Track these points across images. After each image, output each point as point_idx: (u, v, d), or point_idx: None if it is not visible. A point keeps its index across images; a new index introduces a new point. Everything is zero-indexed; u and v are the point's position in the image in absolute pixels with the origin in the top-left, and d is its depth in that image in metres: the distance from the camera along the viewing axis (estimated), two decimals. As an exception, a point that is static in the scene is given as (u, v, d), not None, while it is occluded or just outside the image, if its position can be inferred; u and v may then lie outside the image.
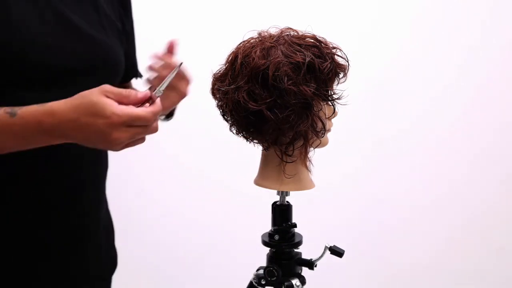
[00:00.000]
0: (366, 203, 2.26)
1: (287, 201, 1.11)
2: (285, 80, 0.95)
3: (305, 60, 0.96)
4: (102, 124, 0.89)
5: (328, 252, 1.11)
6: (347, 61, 1.02)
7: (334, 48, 1.02)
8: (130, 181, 2.10)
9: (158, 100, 0.93)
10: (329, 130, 1.07)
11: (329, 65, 0.98)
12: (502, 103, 2.27)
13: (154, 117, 0.92)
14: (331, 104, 1.02)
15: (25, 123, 0.91)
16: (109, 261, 1.32)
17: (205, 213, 2.19)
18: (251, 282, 1.13)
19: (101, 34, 1.12)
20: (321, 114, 1.01)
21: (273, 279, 1.09)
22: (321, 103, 1.00)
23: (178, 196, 2.13)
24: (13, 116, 0.91)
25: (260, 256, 1.16)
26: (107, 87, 0.91)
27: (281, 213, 1.11)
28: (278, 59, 0.96)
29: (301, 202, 1.22)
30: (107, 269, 1.32)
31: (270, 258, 1.12)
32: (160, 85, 0.97)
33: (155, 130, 0.94)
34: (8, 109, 0.92)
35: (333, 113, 1.04)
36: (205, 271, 2.21)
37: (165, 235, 2.20)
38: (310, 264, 1.12)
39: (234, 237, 2.17)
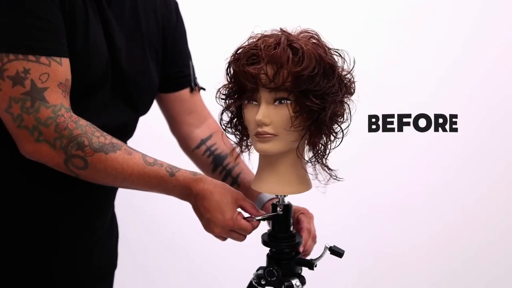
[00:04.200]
0: (364, 202, 2.26)
1: (288, 202, 1.11)
2: None
3: None
4: (218, 219, 1.06)
5: (328, 252, 1.12)
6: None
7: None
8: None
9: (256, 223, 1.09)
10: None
11: None
12: (496, 100, 2.27)
13: (251, 231, 1.09)
14: None
15: (177, 184, 1.07)
16: (110, 261, 1.37)
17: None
18: (251, 282, 1.13)
19: (142, 58, 1.20)
20: None
21: (273, 279, 1.09)
22: None
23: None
24: (172, 176, 1.06)
25: (260, 256, 1.16)
26: (242, 200, 1.09)
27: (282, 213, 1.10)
28: None
29: (301, 201, 1.22)
30: (109, 268, 1.36)
31: (270, 258, 1.12)
32: (263, 216, 1.10)
33: (242, 239, 1.10)
34: (168, 168, 1.06)
35: None
36: (205, 271, 2.21)
37: (164, 235, 2.20)
38: (310, 264, 1.12)
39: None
